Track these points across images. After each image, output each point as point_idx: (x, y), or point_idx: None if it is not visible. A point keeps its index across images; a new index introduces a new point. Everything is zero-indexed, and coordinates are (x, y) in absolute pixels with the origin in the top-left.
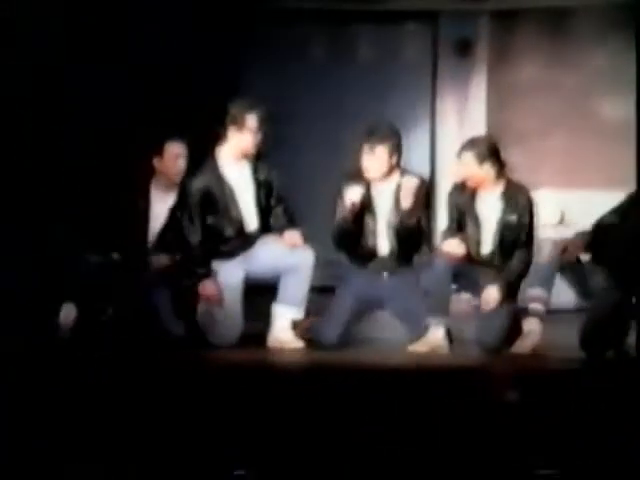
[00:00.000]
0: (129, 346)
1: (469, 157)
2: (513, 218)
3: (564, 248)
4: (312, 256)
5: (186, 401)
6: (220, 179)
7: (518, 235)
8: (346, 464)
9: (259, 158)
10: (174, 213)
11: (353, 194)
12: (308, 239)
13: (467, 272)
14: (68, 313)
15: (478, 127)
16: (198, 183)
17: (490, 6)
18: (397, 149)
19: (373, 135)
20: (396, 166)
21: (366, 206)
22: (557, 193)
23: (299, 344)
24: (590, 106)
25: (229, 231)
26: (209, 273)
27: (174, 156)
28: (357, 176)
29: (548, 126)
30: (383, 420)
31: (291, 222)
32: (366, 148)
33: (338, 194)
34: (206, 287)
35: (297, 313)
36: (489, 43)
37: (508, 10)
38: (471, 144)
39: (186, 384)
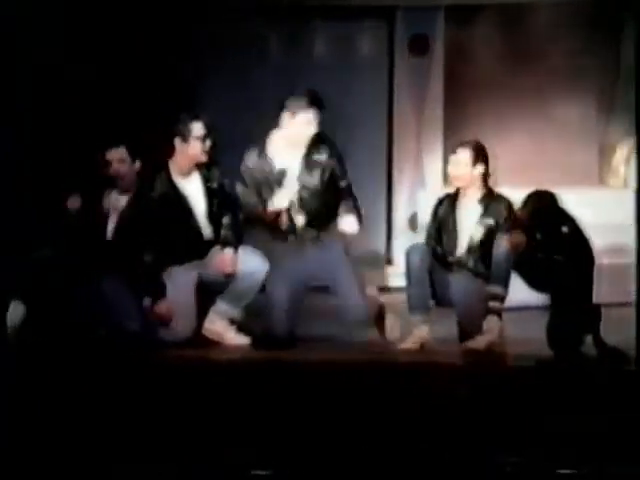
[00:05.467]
0: (82, 342)
1: (465, 156)
2: (490, 222)
3: (511, 243)
4: (266, 267)
5: (140, 397)
6: (173, 190)
7: (493, 239)
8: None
9: (211, 165)
10: (125, 224)
11: (280, 203)
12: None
13: (440, 278)
14: (16, 311)
15: (435, 124)
16: (152, 195)
17: (447, 2)
18: (320, 113)
19: (296, 102)
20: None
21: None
22: (514, 191)
23: (232, 339)
24: (548, 104)
25: (183, 241)
26: (162, 290)
27: (117, 161)
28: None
29: (506, 124)
30: (341, 417)
31: (237, 233)
32: (289, 116)
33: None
34: (160, 307)
35: (233, 313)
36: (446, 40)
37: (465, 6)
38: (467, 145)
39: (139, 380)
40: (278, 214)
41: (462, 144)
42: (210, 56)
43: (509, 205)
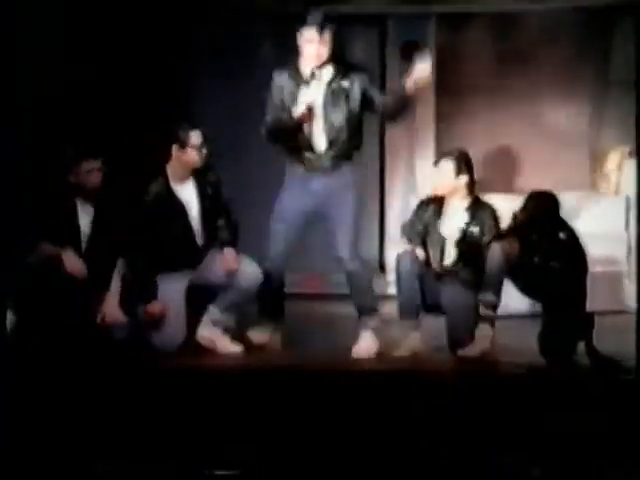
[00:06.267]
0: (73, 348)
1: (448, 167)
2: (476, 231)
3: (505, 251)
4: (258, 276)
5: (133, 404)
6: (167, 196)
7: (479, 248)
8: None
9: (206, 171)
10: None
11: (308, 96)
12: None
13: (429, 285)
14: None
15: (427, 131)
16: (146, 199)
17: (438, 9)
18: (335, 32)
19: (309, 20)
20: (333, 58)
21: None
22: (505, 197)
23: (225, 346)
24: (538, 110)
25: (176, 247)
26: (155, 289)
27: (86, 171)
28: (294, 66)
29: (497, 130)
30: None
31: (234, 234)
32: (304, 35)
33: (269, 90)
34: (152, 307)
35: (227, 321)
36: (437, 47)
37: (457, 14)
38: (450, 155)
39: (129, 386)
40: (304, 116)
41: (445, 155)
42: (205, 61)
43: (495, 213)
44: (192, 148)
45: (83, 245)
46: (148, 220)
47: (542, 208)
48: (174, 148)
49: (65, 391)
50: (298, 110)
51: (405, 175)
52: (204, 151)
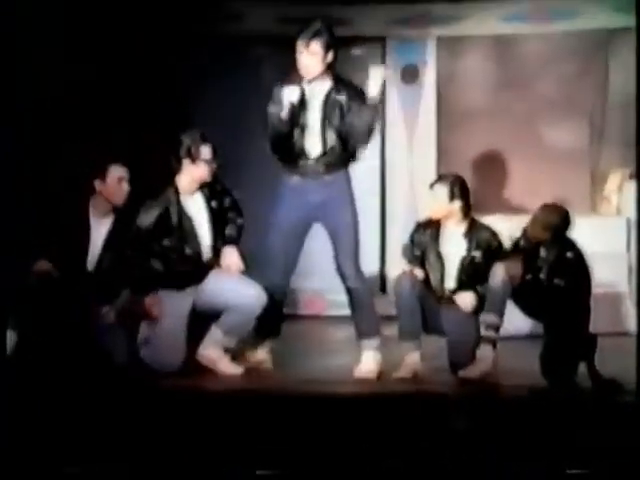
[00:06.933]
0: (70, 371)
1: (442, 192)
2: (478, 256)
3: (509, 272)
4: (263, 298)
5: (133, 425)
6: (176, 210)
7: (483, 270)
8: None
9: (215, 185)
10: (120, 240)
11: (291, 95)
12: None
13: (430, 306)
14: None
15: (428, 153)
16: (153, 212)
17: (437, 32)
18: (332, 47)
19: (307, 32)
20: (331, 66)
21: (301, 106)
22: (507, 218)
23: (226, 367)
24: (539, 132)
25: (182, 264)
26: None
27: (117, 179)
28: (292, 78)
29: (498, 152)
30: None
31: (238, 234)
32: (300, 46)
33: (271, 99)
34: (148, 301)
35: (229, 342)
36: (437, 69)
37: (456, 36)
38: (445, 179)
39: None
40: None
41: (440, 179)
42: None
43: (495, 234)
44: (203, 162)
45: (90, 257)
46: (155, 231)
47: (553, 220)
48: (185, 162)
49: (64, 411)
50: (284, 110)
51: (406, 196)
52: (214, 165)
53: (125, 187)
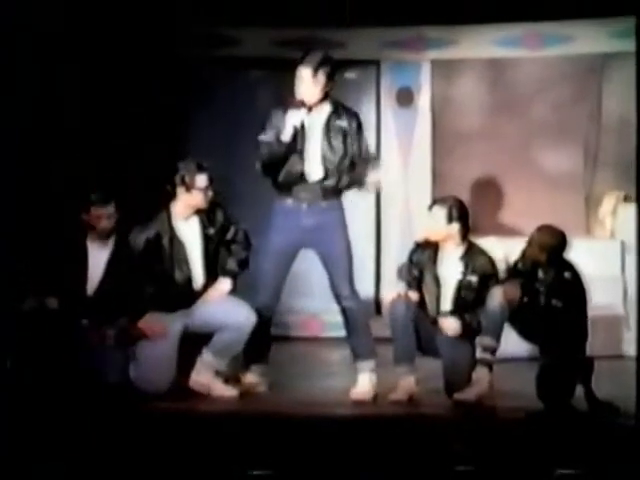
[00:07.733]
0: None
1: (440, 214)
2: (474, 280)
3: (507, 295)
4: (252, 317)
5: (125, 449)
6: (169, 236)
7: (478, 295)
8: None
9: (212, 211)
10: (115, 267)
11: (294, 119)
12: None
13: (425, 329)
14: None
15: (423, 176)
16: (142, 237)
17: (431, 55)
18: (331, 75)
19: (311, 60)
20: (328, 93)
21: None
22: (501, 241)
23: (220, 390)
24: (534, 155)
25: (174, 288)
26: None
27: (96, 217)
28: (292, 102)
29: (492, 175)
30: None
31: (239, 268)
32: (304, 74)
33: (267, 120)
34: (143, 323)
35: (219, 364)
36: (432, 92)
37: (451, 60)
38: (443, 202)
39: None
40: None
41: (438, 201)
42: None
43: (492, 260)
44: (198, 190)
45: (89, 285)
46: (146, 256)
47: (550, 241)
48: (179, 190)
49: (57, 435)
50: (286, 133)
51: (401, 219)
52: (209, 193)
53: (110, 222)
